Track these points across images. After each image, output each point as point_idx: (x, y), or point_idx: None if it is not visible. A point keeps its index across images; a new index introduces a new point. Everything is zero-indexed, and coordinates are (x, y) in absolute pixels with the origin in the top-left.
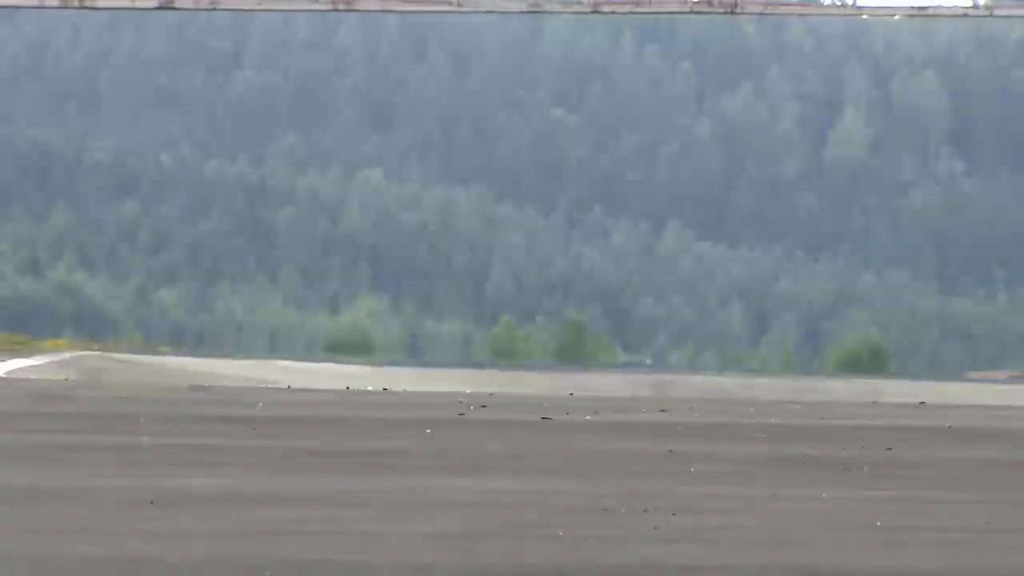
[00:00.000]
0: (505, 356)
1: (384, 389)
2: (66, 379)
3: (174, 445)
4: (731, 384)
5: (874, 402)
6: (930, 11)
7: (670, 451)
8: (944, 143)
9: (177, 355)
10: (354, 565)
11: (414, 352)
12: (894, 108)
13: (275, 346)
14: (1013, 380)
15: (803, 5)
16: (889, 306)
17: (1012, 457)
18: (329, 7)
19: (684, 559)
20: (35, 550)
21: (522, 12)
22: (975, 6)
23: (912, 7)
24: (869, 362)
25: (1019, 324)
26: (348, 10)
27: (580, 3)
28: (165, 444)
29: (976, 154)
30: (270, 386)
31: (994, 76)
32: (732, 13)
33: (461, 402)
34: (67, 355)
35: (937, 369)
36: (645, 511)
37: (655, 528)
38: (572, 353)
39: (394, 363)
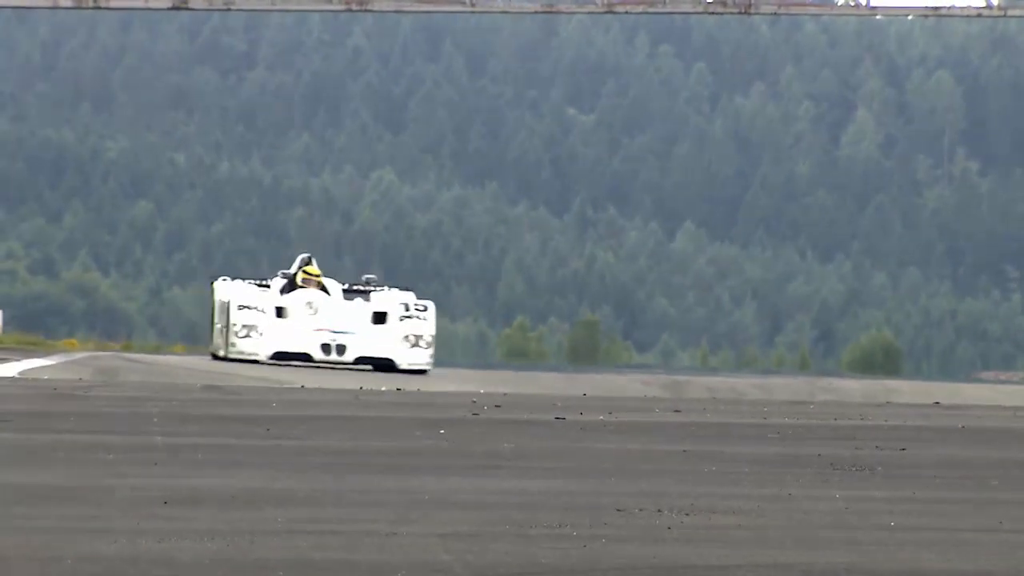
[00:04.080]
0: (518, 356)
1: (398, 389)
2: (80, 379)
3: (188, 445)
4: (744, 384)
5: (888, 402)
6: (943, 11)
7: (684, 451)
8: (958, 143)
9: (191, 355)
10: (369, 564)
11: None
12: (908, 108)
13: None
14: None
15: (817, 5)
16: (902, 306)
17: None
18: (343, 7)
19: (698, 559)
20: (47, 549)
21: (536, 12)
22: (988, 6)
23: (926, 7)
24: (882, 362)
25: None
26: (362, 10)
27: (594, 3)
28: (179, 444)
29: (990, 154)
30: (284, 386)
31: (1008, 76)
32: (746, 13)
33: (475, 402)
34: (80, 355)
35: (951, 369)
36: (659, 511)
37: (669, 528)
38: (585, 353)
39: None
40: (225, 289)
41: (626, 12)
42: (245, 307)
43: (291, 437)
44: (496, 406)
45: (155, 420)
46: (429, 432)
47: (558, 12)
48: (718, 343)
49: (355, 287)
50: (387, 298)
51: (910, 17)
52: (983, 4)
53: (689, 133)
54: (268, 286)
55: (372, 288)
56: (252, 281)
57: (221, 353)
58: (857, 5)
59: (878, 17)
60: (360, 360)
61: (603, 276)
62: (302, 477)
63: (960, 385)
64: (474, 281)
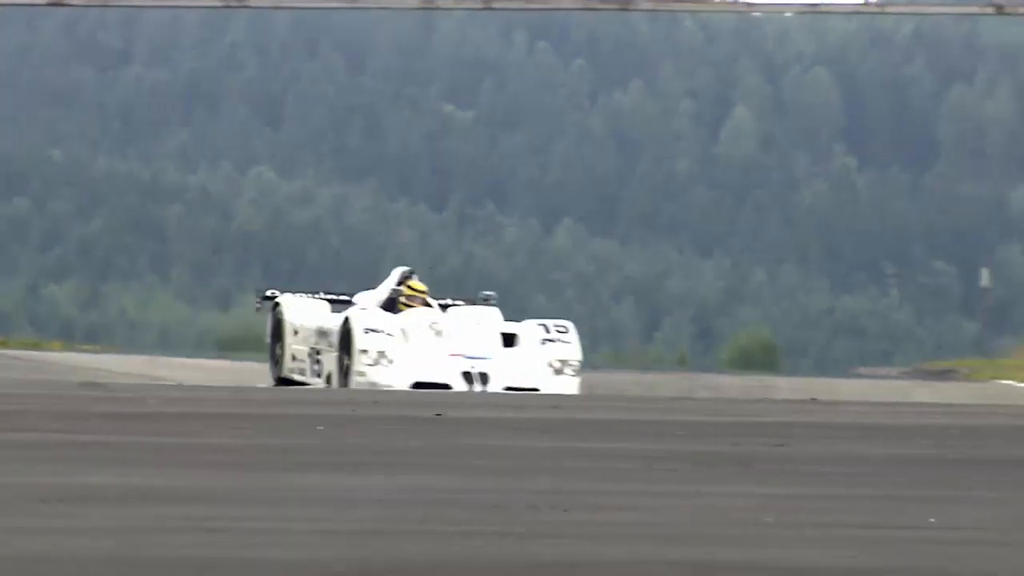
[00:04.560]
0: None
1: (276, 385)
2: None
3: (65, 442)
4: (623, 380)
5: (766, 398)
6: (821, 8)
7: (561, 447)
8: (836, 140)
9: (68, 352)
10: (245, 561)
11: None
12: (786, 105)
13: (166, 343)
14: (903, 376)
15: (695, 2)
16: (780, 303)
17: (903, 452)
18: (220, 3)
19: (575, 556)
20: None
21: (415, 8)
22: (866, 3)
23: (803, 4)
24: (761, 359)
25: (909, 320)
26: (240, 7)
27: None
28: (55, 441)
29: (868, 151)
30: (161, 383)
31: (886, 73)
32: (624, 9)
33: (353, 399)
34: None
35: (828, 366)
36: (536, 508)
37: (546, 524)
38: None
39: None
40: (309, 308)
41: (504, 8)
42: (372, 331)
43: (169, 434)
44: (374, 402)
45: (32, 418)
46: (308, 429)
47: (437, 8)
48: (597, 340)
49: (441, 303)
50: (483, 315)
51: (788, 14)
52: (860, 1)
53: (568, 130)
54: (348, 302)
55: (452, 303)
56: (307, 294)
57: (320, 382)
58: (735, 2)
59: (756, 14)
60: (507, 391)
61: (482, 273)
62: (179, 474)
63: (837, 381)
64: (353, 278)
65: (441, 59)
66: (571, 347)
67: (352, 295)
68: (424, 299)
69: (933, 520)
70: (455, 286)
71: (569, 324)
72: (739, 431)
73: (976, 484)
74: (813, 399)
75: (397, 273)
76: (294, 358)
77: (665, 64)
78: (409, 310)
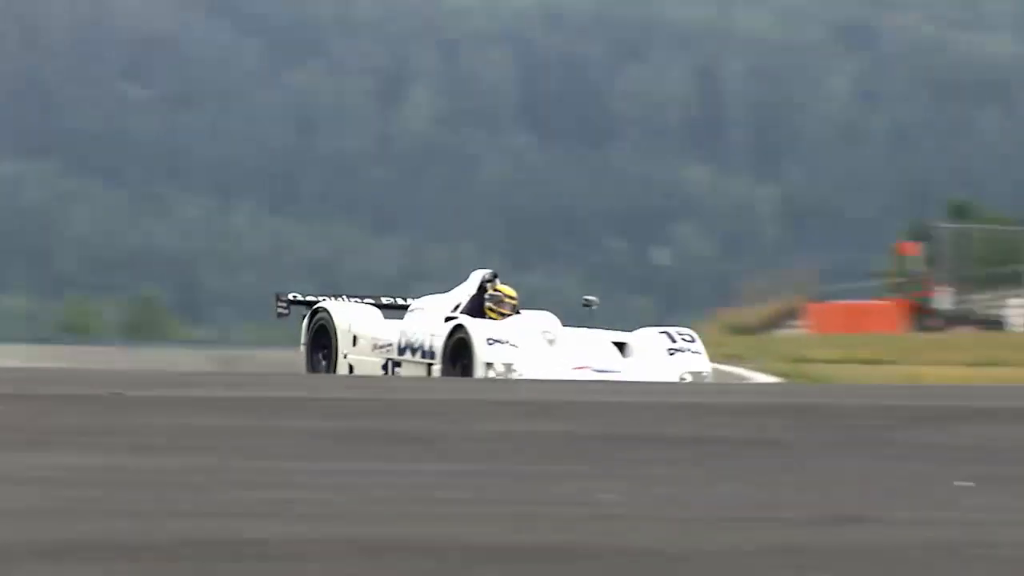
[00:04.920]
0: (74, 331)
1: None
2: None
3: None
4: (285, 358)
5: (437, 377)
6: None
7: (239, 426)
8: (514, 117)
9: None
10: None
11: None
12: (463, 82)
13: None
14: None
15: None
16: (459, 280)
17: (574, 430)
18: None
19: (250, 533)
20: None
21: None
22: None
23: None
24: None
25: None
26: None
27: None
28: None
29: (546, 128)
30: None
31: (563, 51)
32: None
33: (27, 378)
34: None
35: None
36: (213, 486)
37: (223, 502)
38: (142, 328)
39: None
40: (367, 315)
41: None
42: (496, 341)
43: None
44: (58, 381)
45: None
46: None
47: None
48: (273, 319)
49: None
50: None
51: None
52: None
53: (246, 108)
54: (402, 307)
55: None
56: (348, 298)
57: None
58: None
59: None
60: None
61: (160, 251)
62: None
63: None
64: (29, 256)
65: (117, 36)
66: (701, 357)
67: (384, 299)
68: (514, 305)
69: (609, 496)
70: (134, 264)
71: (693, 332)
72: (413, 410)
73: (646, 461)
74: (491, 378)
75: (477, 276)
76: (351, 369)
77: (341, 41)
78: (507, 318)
